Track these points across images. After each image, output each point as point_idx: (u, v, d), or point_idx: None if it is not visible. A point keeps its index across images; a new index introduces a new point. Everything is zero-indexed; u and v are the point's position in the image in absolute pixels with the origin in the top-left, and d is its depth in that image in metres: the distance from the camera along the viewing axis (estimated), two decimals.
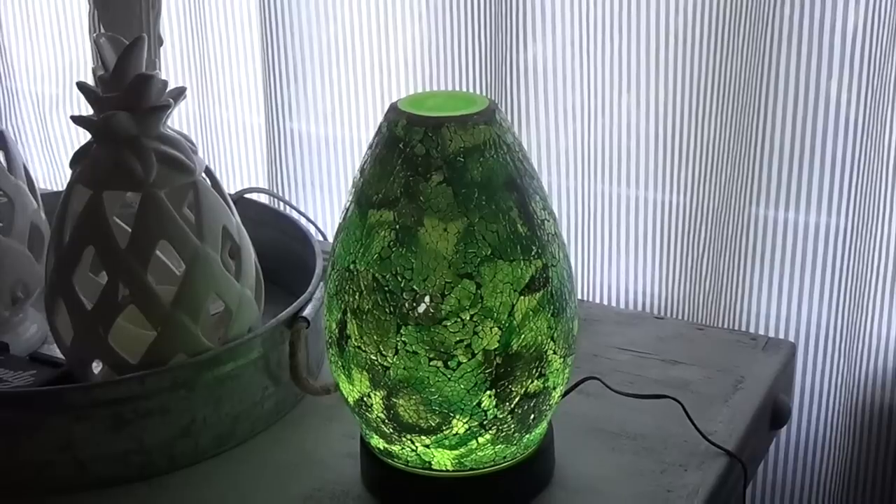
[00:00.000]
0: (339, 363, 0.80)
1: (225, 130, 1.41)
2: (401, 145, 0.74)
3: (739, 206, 1.12)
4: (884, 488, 1.14)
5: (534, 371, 0.77)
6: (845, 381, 1.13)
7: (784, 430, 1.14)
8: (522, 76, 1.17)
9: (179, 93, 0.90)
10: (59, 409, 0.86)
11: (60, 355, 0.95)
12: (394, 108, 0.76)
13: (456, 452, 0.79)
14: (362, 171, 0.77)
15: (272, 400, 0.93)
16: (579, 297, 1.22)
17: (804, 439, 1.17)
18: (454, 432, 0.77)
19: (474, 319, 0.74)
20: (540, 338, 0.77)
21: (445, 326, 0.74)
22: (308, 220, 1.19)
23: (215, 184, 0.92)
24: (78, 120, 0.89)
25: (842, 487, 1.16)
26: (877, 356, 1.11)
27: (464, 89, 1.22)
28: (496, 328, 0.75)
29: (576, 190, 1.20)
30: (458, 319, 0.74)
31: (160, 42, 1.02)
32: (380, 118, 0.77)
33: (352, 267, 0.76)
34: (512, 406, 0.77)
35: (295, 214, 1.18)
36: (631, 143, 1.16)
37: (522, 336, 0.76)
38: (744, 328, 1.15)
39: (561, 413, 0.88)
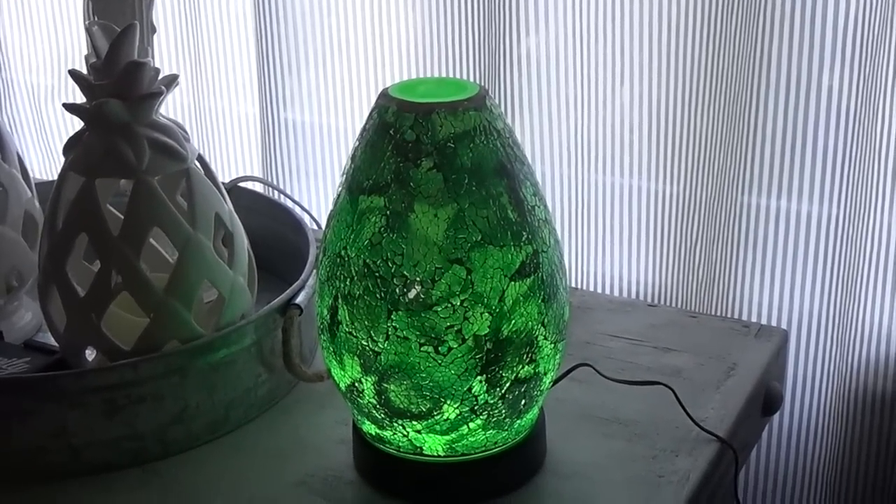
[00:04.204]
0: (331, 349, 0.80)
1: (219, 119, 1.41)
2: (391, 131, 0.75)
3: (732, 194, 1.12)
4: (876, 474, 1.15)
5: (524, 356, 0.77)
6: (838, 368, 1.13)
7: (776, 416, 1.15)
8: (517, 66, 1.17)
9: (171, 80, 0.90)
10: (53, 396, 0.86)
11: (55, 343, 0.96)
12: (384, 94, 0.77)
13: (447, 438, 0.79)
14: (353, 157, 0.77)
15: (265, 386, 0.94)
16: (572, 284, 1.22)
17: (796, 426, 1.17)
18: (445, 417, 0.78)
19: (465, 305, 0.74)
20: (530, 323, 0.77)
21: (436, 312, 0.74)
22: (302, 208, 1.19)
23: (208, 171, 0.92)
24: (70, 107, 0.89)
25: (834, 473, 1.16)
26: (869, 343, 1.11)
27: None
28: (486, 313, 0.75)
29: (569, 179, 1.20)
30: (449, 305, 0.74)
31: (153, 30, 1.02)
32: None
33: (343, 253, 0.77)
34: (503, 391, 0.78)
35: (289, 203, 1.18)
36: (624, 132, 1.16)
37: (513, 321, 0.76)
38: (736, 316, 1.16)
39: (553, 399, 0.88)
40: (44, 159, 1.59)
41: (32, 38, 1.53)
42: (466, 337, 0.75)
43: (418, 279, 0.74)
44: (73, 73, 0.89)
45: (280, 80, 1.32)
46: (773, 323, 1.15)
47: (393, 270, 0.74)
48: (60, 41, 1.51)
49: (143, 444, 0.88)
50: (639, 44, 1.12)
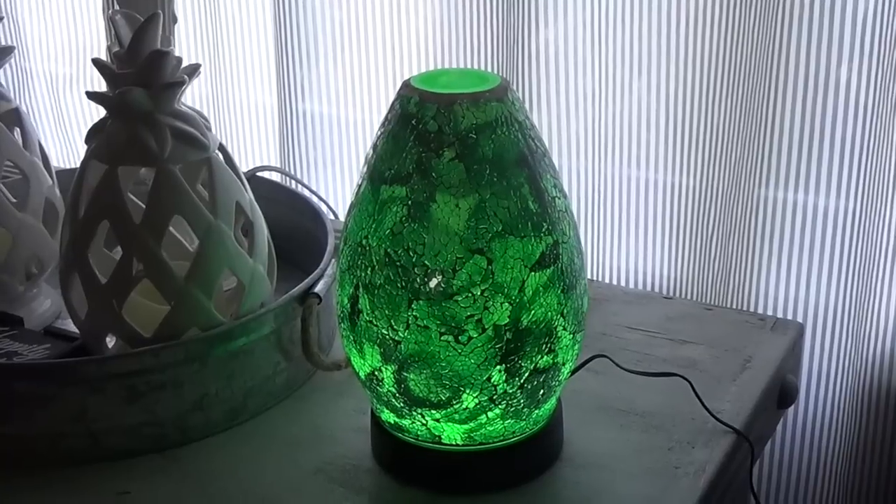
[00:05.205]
0: (351, 337, 0.80)
1: (238, 110, 1.42)
2: (413, 122, 0.75)
3: (749, 187, 1.12)
4: (890, 468, 1.15)
5: (543, 347, 0.78)
6: (852, 362, 1.13)
7: (791, 409, 1.15)
8: (535, 59, 1.17)
9: (194, 70, 0.91)
10: (74, 382, 0.87)
11: (74, 330, 0.96)
12: (407, 84, 0.77)
13: (466, 427, 0.80)
14: (375, 147, 0.78)
15: (284, 375, 0.94)
16: (589, 276, 1.23)
17: (811, 419, 1.17)
18: (464, 406, 0.78)
19: (485, 294, 0.75)
20: (550, 313, 0.77)
21: (456, 301, 0.75)
22: (319, 198, 1.20)
23: (229, 160, 0.93)
24: (93, 96, 0.89)
25: (848, 467, 1.16)
26: (884, 338, 1.11)
27: None
28: (506, 303, 0.75)
29: (587, 171, 1.21)
30: (469, 294, 0.75)
31: (174, 20, 1.02)
32: (391, 99, 0.78)
33: (364, 242, 0.77)
34: (521, 381, 0.78)
35: (307, 193, 1.19)
36: (642, 125, 1.17)
37: (532, 312, 0.76)
38: (752, 309, 1.16)
39: (570, 390, 0.88)
40: (62, 147, 1.60)
41: (51, 27, 1.53)
42: (486, 326, 0.75)
43: (439, 269, 0.75)
44: (97, 62, 0.89)
45: (298, 70, 1.32)
46: (789, 316, 1.15)
47: (414, 260, 0.75)
48: (79, 30, 1.51)
49: (162, 431, 0.89)
50: (656, 36, 1.12)
